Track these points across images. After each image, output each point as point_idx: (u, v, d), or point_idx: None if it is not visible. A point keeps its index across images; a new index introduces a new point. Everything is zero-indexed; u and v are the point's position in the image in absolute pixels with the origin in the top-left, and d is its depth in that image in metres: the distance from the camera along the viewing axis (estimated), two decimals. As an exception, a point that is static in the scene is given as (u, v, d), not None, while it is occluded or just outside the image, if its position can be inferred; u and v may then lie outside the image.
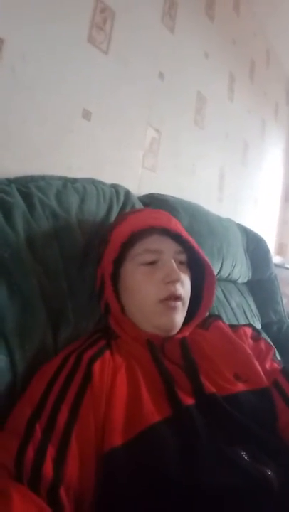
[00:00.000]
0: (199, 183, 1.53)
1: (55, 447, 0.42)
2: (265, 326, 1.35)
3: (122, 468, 0.42)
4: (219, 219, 1.25)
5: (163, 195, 1.07)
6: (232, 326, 0.70)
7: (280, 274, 1.55)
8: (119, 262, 0.62)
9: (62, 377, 0.49)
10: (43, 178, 0.72)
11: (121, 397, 0.49)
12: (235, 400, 0.51)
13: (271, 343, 1.07)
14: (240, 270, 1.28)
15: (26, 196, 0.64)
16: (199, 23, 1.48)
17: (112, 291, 0.60)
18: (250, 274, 1.38)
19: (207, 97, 1.54)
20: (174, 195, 1.10)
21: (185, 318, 0.62)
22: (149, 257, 0.61)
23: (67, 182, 0.75)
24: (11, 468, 0.40)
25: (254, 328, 0.73)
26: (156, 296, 0.58)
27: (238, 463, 0.43)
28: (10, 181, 0.67)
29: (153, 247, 0.61)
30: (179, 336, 0.60)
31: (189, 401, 0.50)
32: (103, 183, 0.85)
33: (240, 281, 1.35)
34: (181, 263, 0.63)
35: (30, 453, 0.40)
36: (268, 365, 0.62)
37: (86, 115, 0.95)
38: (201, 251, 0.65)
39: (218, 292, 1.17)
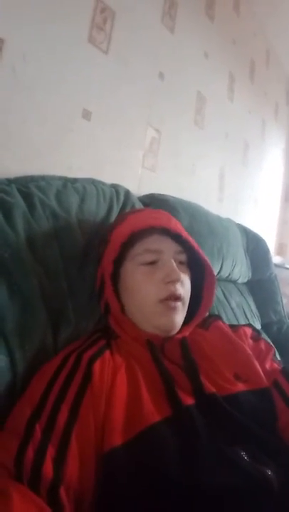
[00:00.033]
0: (199, 183, 1.53)
1: (55, 447, 0.42)
2: (265, 326, 1.35)
3: (121, 468, 0.42)
4: (219, 219, 1.25)
5: (163, 195, 1.07)
6: (232, 326, 0.70)
7: (280, 274, 1.55)
8: (119, 261, 0.62)
9: (62, 377, 0.49)
10: (43, 178, 0.72)
11: (121, 397, 0.49)
12: (235, 400, 0.51)
13: (271, 343, 1.07)
14: (240, 270, 1.28)
15: (26, 196, 0.64)
16: (199, 23, 1.48)
17: (112, 291, 0.60)
18: (250, 274, 1.38)
19: (207, 97, 1.54)
20: (174, 195, 1.10)
21: (185, 318, 0.62)
22: (149, 257, 0.61)
23: (67, 182, 0.75)
24: (10, 468, 0.40)
25: (254, 329, 0.73)
26: (156, 296, 0.58)
27: (238, 463, 0.43)
28: (10, 181, 0.67)
29: (153, 247, 0.61)
30: (179, 335, 0.60)
31: (189, 401, 0.50)
32: (103, 183, 0.85)
33: (240, 281, 1.35)
34: (181, 263, 0.63)
35: (30, 453, 0.40)
36: (267, 366, 0.62)
37: (86, 115, 0.95)
38: (201, 251, 0.65)
39: (218, 292, 1.17)
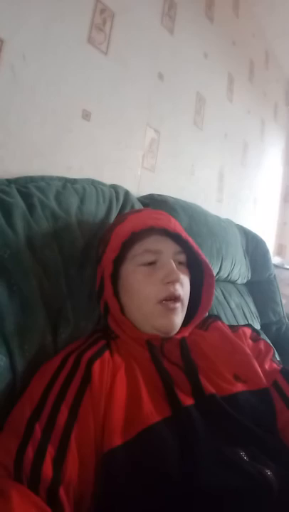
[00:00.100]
0: (198, 183, 1.53)
1: (54, 447, 0.42)
2: (264, 327, 1.35)
3: (121, 468, 0.42)
4: (218, 219, 1.25)
5: (162, 195, 1.07)
6: (231, 327, 0.70)
7: (280, 275, 1.55)
8: (118, 262, 0.62)
9: (61, 378, 0.49)
10: (42, 178, 0.73)
11: (120, 398, 0.49)
12: (235, 400, 0.51)
13: (270, 343, 1.07)
14: (239, 271, 1.29)
15: (26, 197, 0.65)
16: (198, 24, 1.48)
17: (112, 291, 0.60)
18: (250, 275, 1.38)
19: (206, 97, 1.54)
20: (173, 196, 1.10)
21: (184, 318, 0.62)
22: (149, 258, 0.61)
23: (66, 183, 0.76)
24: (10, 468, 0.40)
25: (253, 329, 0.73)
26: (156, 296, 0.58)
27: (238, 463, 0.43)
28: (10, 182, 0.67)
29: (153, 247, 0.61)
30: (179, 336, 0.60)
31: (189, 401, 0.50)
32: (103, 184, 0.85)
33: (239, 281, 1.36)
34: (180, 263, 0.63)
35: (29, 453, 0.40)
36: (267, 366, 0.62)
37: (86, 115, 0.95)
38: (200, 251, 0.65)
39: (217, 293, 1.17)
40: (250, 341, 0.68)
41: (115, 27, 1.03)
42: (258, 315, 1.35)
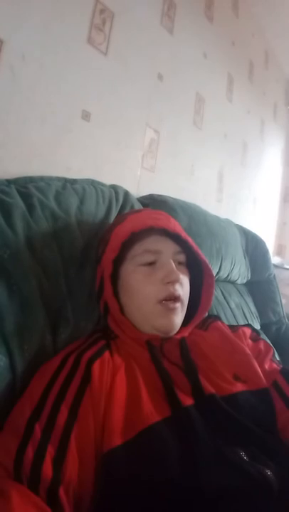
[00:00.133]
0: (198, 183, 1.53)
1: (54, 447, 0.42)
2: (264, 327, 1.36)
3: (121, 468, 0.42)
4: (218, 220, 1.25)
5: (162, 195, 1.07)
6: (231, 327, 0.70)
7: (279, 275, 1.55)
8: (118, 262, 0.62)
9: (61, 378, 0.49)
10: (42, 178, 0.73)
11: (120, 398, 0.49)
12: (234, 400, 0.51)
13: (270, 343, 1.07)
14: (239, 271, 1.29)
15: (26, 197, 0.65)
16: (198, 24, 1.48)
17: (112, 291, 0.61)
18: (249, 275, 1.38)
19: (206, 97, 1.54)
20: (172, 196, 1.10)
21: (184, 318, 0.62)
22: (149, 258, 0.61)
23: (66, 183, 0.76)
24: (10, 468, 0.40)
25: (253, 329, 0.73)
26: (156, 296, 0.58)
27: (238, 463, 0.43)
28: (9, 182, 0.67)
29: (152, 247, 0.61)
30: (178, 336, 0.60)
31: (188, 401, 0.50)
32: (102, 184, 0.85)
33: (239, 281, 1.36)
34: (180, 263, 0.63)
35: (29, 453, 0.40)
36: (267, 366, 0.62)
37: (85, 116, 0.95)
38: (199, 251, 0.65)
39: (217, 293, 1.17)
40: (250, 341, 0.68)
41: (115, 27, 1.03)
42: (257, 315, 1.35)
